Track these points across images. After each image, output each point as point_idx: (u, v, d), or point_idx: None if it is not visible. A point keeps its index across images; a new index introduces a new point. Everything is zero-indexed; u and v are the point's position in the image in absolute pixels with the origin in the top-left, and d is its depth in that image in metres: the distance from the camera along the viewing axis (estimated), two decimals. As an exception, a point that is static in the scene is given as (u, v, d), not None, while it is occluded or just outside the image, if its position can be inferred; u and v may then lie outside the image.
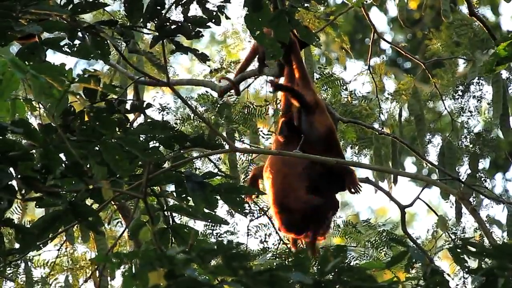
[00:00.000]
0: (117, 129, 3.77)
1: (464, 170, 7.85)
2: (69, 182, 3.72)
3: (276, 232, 7.24)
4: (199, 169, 7.39)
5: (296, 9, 4.67)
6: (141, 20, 4.40)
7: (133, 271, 3.11)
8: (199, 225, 7.29)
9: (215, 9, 4.52)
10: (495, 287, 3.30)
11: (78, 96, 3.73)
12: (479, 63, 7.79)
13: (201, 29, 4.45)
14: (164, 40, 4.46)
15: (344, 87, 7.80)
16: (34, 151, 3.60)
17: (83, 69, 3.69)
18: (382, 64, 8.04)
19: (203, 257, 3.05)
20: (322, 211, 5.82)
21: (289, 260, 7.05)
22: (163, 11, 4.41)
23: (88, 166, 3.69)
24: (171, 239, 4.02)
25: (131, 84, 6.83)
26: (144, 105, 4.13)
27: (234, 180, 6.07)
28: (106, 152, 3.70)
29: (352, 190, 5.92)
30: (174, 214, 4.08)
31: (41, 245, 3.85)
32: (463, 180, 7.37)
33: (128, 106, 4.02)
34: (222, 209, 7.08)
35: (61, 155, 3.63)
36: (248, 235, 7.26)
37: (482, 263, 3.50)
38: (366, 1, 7.77)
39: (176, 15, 5.67)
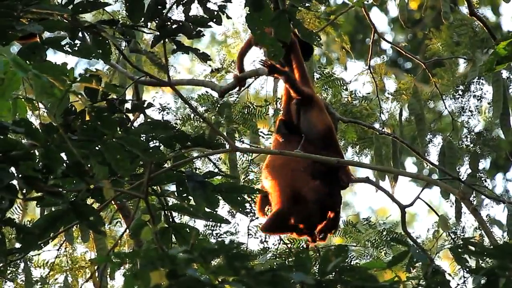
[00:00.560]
0: (118, 128, 3.76)
1: (464, 170, 7.86)
2: (70, 181, 3.72)
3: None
4: (199, 169, 7.39)
5: (297, 9, 4.68)
6: (142, 19, 4.40)
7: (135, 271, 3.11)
8: (199, 225, 7.29)
9: (216, 8, 4.52)
10: (496, 287, 3.30)
11: (79, 96, 3.73)
12: (479, 63, 7.79)
13: (202, 29, 4.45)
14: (165, 40, 4.46)
15: (345, 87, 7.80)
16: (35, 150, 3.59)
17: (85, 69, 3.70)
18: (383, 64, 8.05)
19: (205, 257, 3.05)
20: (336, 202, 5.84)
21: (290, 260, 7.08)
22: (164, 11, 4.41)
23: (89, 165, 3.69)
24: (172, 238, 4.02)
25: (132, 83, 6.81)
26: (145, 105, 4.12)
27: (234, 180, 6.06)
28: (107, 151, 3.69)
29: (344, 179, 5.91)
30: (174, 214, 4.08)
31: (42, 245, 3.86)
32: (463, 180, 7.36)
33: (128, 106, 4.02)
34: (223, 210, 7.08)
35: (62, 155, 3.63)
36: (248, 235, 7.26)
37: (483, 263, 3.51)
38: (367, 1, 7.77)
39: (177, 14, 5.69)
